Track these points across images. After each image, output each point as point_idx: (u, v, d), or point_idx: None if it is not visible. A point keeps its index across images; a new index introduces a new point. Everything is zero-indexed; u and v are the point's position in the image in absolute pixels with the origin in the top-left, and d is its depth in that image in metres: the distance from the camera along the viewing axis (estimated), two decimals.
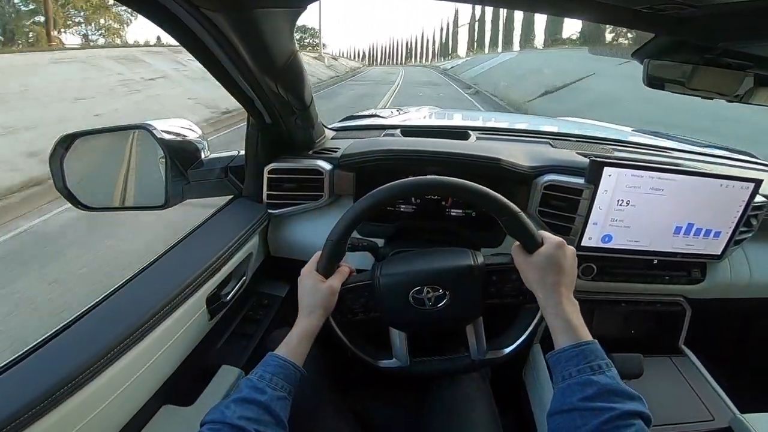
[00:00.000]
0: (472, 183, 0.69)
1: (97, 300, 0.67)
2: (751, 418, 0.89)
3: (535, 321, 0.75)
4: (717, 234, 0.93)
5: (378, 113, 1.78)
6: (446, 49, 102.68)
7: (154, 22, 0.58)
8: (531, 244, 0.67)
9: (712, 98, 0.74)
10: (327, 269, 0.72)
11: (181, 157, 0.92)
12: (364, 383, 0.91)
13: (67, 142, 0.86)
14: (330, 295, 0.71)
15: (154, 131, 0.86)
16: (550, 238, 0.68)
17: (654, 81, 0.74)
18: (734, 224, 0.92)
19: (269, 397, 0.58)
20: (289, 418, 0.61)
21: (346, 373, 0.90)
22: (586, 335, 0.59)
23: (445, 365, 0.79)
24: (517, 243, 0.69)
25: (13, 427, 0.46)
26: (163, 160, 0.90)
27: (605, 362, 0.55)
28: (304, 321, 0.69)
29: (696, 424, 0.92)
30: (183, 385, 0.78)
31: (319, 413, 0.78)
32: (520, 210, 0.67)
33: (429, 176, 0.71)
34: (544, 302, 0.64)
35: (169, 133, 0.89)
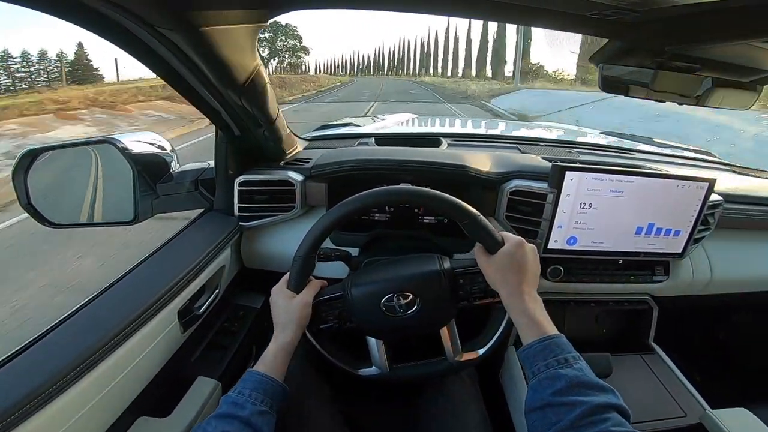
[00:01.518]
0: (431, 189, 0.70)
1: (67, 314, 0.66)
2: (722, 414, 0.91)
3: (506, 321, 0.77)
4: (677, 233, 0.97)
5: (353, 122, 1.79)
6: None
7: (112, 42, 0.58)
8: (492, 245, 0.68)
9: (666, 101, 0.78)
10: (298, 285, 0.73)
11: (149, 171, 0.92)
12: (355, 389, 0.91)
13: (30, 157, 0.85)
14: (302, 309, 0.72)
15: (120, 146, 0.86)
16: (510, 237, 0.69)
17: (609, 84, 0.77)
18: (692, 223, 0.95)
19: (249, 411, 0.59)
20: (281, 427, 0.62)
21: (336, 381, 0.90)
22: (551, 329, 0.60)
23: (423, 370, 0.80)
24: (479, 245, 0.71)
25: None
26: (131, 174, 0.89)
27: (572, 355, 0.56)
28: (279, 337, 0.70)
29: (668, 420, 0.94)
30: (158, 396, 0.78)
31: (311, 420, 0.79)
32: (478, 213, 0.69)
33: (387, 187, 0.72)
34: (508, 300, 0.65)
35: (136, 147, 0.89)
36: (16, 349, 0.58)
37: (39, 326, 0.63)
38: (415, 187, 0.72)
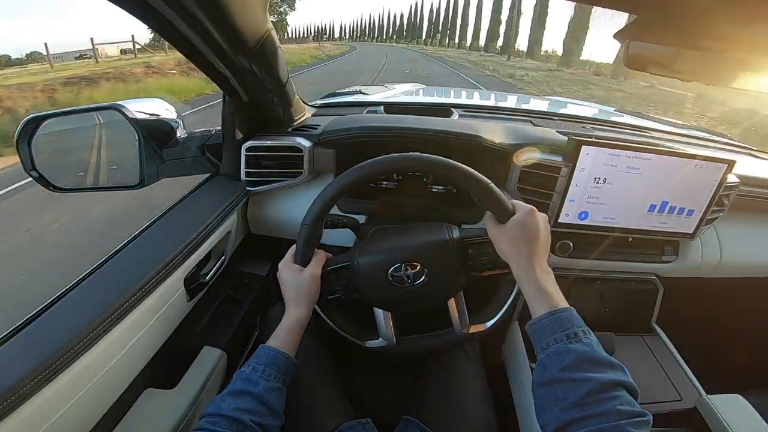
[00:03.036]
0: (441, 157, 0.68)
1: (71, 284, 0.66)
2: (717, 400, 0.92)
3: (514, 292, 0.77)
4: (690, 212, 0.95)
5: (362, 90, 1.75)
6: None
7: (121, 6, 0.56)
8: (502, 213, 0.66)
9: (691, 81, 0.75)
10: (305, 255, 0.72)
11: (155, 136, 0.90)
12: (356, 360, 0.92)
13: (34, 123, 0.83)
14: (312, 283, 0.71)
15: (126, 111, 0.84)
16: (521, 206, 0.67)
17: (634, 62, 0.74)
18: (707, 203, 0.94)
19: (263, 388, 0.60)
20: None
21: (337, 352, 0.90)
22: (562, 302, 0.58)
23: (431, 341, 0.80)
24: (490, 213, 0.69)
25: None
26: (137, 139, 0.88)
27: (582, 330, 0.54)
28: (292, 312, 0.70)
29: (663, 404, 0.95)
30: (165, 367, 0.78)
31: (310, 390, 0.79)
32: (489, 181, 0.67)
33: (396, 154, 0.70)
34: (518, 271, 0.63)
35: (142, 112, 0.87)
36: (21, 322, 0.58)
37: None
38: (424, 154, 0.69)
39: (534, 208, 0.66)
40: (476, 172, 0.67)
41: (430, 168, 0.70)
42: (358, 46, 60.26)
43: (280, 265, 0.74)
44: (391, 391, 0.94)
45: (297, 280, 0.71)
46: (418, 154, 0.70)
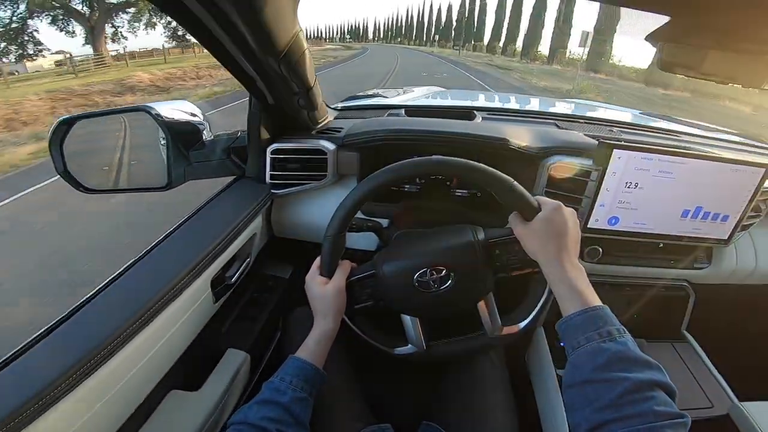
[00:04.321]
0: (463, 159, 0.67)
1: (101, 285, 0.66)
2: (750, 407, 0.89)
3: (546, 291, 0.75)
4: (725, 218, 0.92)
5: (381, 93, 1.75)
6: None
7: (157, 6, 0.56)
8: (528, 211, 0.65)
9: (727, 83, 0.73)
10: (330, 267, 0.72)
11: (182, 138, 0.91)
12: (378, 367, 0.91)
13: (66, 125, 0.85)
14: (338, 295, 0.71)
15: (155, 113, 0.85)
16: (546, 201, 0.65)
17: (668, 65, 0.72)
18: (743, 208, 0.91)
19: (289, 398, 0.60)
20: None
21: (359, 358, 0.90)
22: (594, 300, 0.56)
23: (461, 346, 0.79)
24: (515, 212, 0.67)
25: (16, 424, 0.45)
26: (165, 141, 0.89)
27: (616, 328, 0.51)
28: (320, 325, 0.71)
29: (695, 411, 0.93)
30: (189, 369, 0.78)
31: (333, 398, 0.78)
32: (512, 179, 0.65)
33: (416, 158, 0.69)
34: (547, 269, 0.61)
35: (169, 115, 0.88)
36: (51, 324, 0.58)
37: None
38: (444, 157, 0.68)
39: (560, 203, 0.64)
40: (498, 172, 0.66)
41: (449, 170, 0.69)
42: (367, 48, 57.63)
43: (306, 278, 0.74)
44: (411, 396, 0.93)
45: (323, 292, 0.71)
46: (438, 157, 0.68)
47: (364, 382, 0.87)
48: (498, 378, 0.86)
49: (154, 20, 27.40)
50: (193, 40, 0.68)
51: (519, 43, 48.71)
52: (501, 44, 54.97)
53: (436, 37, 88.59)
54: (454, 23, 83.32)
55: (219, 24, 0.61)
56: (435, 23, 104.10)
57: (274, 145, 0.98)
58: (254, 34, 0.64)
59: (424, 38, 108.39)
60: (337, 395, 0.80)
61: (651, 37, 0.73)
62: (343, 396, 0.81)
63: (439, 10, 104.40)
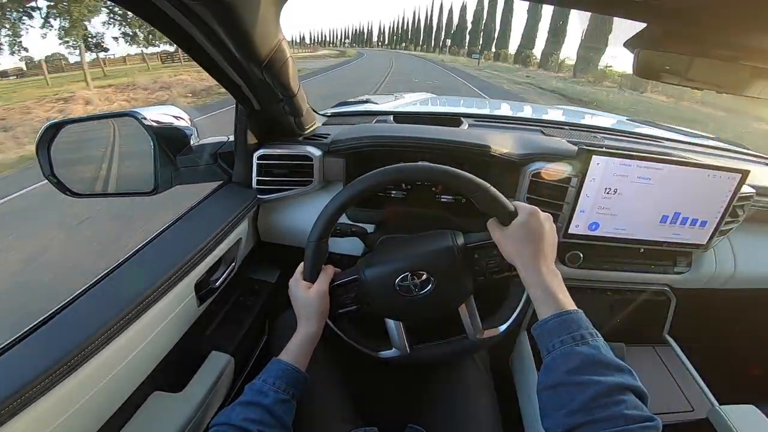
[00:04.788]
0: (442, 165, 0.68)
1: (85, 287, 0.67)
2: (729, 410, 0.90)
3: (525, 294, 0.75)
4: (703, 223, 0.94)
5: (371, 99, 1.76)
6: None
7: (136, 14, 0.58)
8: (505, 216, 0.66)
9: (702, 89, 0.74)
10: (312, 271, 0.73)
11: (169, 143, 0.92)
12: (363, 370, 0.92)
13: (54, 129, 0.86)
14: (321, 299, 0.72)
15: (142, 119, 0.86)
16: (523, 206, 0.66)
17: (645, 71, 0.74)
18: (720, 214, 0.92)
19: (272, 400, 0.61)
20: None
21: (345, 361, 0.91)
22: (569, 304, 0.57)
23: (444, 349, 0.80)
24: (493, 217, 0.68)
25: None
26: (152, 146, 0.90)
27: (589, 332, 0.52)
28: (303, 328, 0.72)
29: (675, 414, 0.94)
30: (173, 371, 0.79)
31: (318, 401, 0.79)
32: (489, 185, 0.67)
33: (392, 165, 0.70)
34: (524, 273, 0.62)
35: (157, 120, 0.89)
36: (34, 324, 0.59)
37: None
38: (424, 163, 0.70)
39: (536, 208, 0.66)
40: (475, 177, 0.67)
41: (428, 176, 0.70)
42: (363, 52, 52.57)
43: (290, 282, 0.76)
44: (396, 398, 0.94)
45: (306, 297, 0.72)
46: (418, 163, 0.70)
47: (350, 384, 0.88)
48: (482, 381, 0.87)
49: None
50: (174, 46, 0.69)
51: (563, 53, 36.76)
52: (537, 54, 40.10)
53: (448, 42, 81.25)
54: (469, 25, 75.45)
55: (201, 32, 0.62)
56: (445, 27, 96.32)
57: (261, 151, 0.99)
58: (236, 43, 0.65)
59: (433, 43, 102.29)
60: (324, 398, 0.81)
61: (628, 44, 0.75)
62: (330, 398, 0.82)
63: (450, 11, 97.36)
